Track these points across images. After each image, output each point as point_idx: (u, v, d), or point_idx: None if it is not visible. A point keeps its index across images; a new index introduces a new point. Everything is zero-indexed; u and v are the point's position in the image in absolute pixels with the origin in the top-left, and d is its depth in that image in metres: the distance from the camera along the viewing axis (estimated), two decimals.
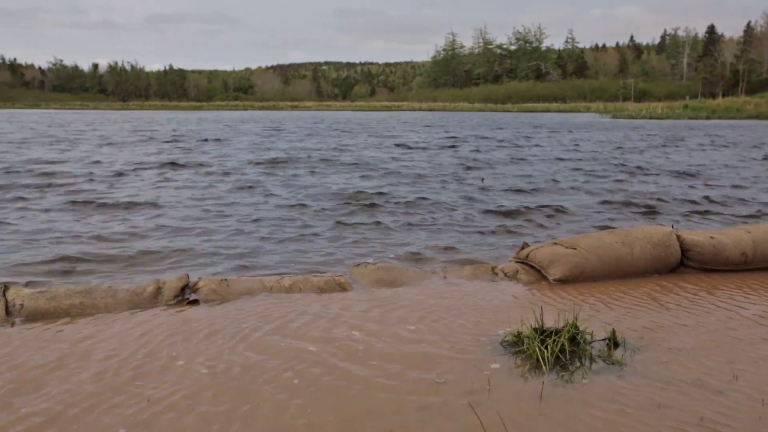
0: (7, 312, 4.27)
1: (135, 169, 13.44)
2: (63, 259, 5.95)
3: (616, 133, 31.71)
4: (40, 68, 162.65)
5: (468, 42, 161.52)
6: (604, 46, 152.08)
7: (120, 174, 12.58)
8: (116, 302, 4.54)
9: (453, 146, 21.59)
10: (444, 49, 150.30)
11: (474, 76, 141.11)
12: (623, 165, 15.30)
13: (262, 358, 3.49)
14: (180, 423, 2.77)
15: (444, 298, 4.71)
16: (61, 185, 10.84)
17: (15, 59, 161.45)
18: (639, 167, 14.68)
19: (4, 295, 4.43)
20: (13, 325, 4.12)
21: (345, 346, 3.69)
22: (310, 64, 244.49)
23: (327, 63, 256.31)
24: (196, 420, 2.80)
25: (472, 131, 32.70)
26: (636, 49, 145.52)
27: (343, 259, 6.11)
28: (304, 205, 9.09)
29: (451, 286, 5.10)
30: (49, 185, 10.84)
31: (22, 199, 9.43)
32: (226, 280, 4.95)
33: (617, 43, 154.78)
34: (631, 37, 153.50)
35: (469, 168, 14.44)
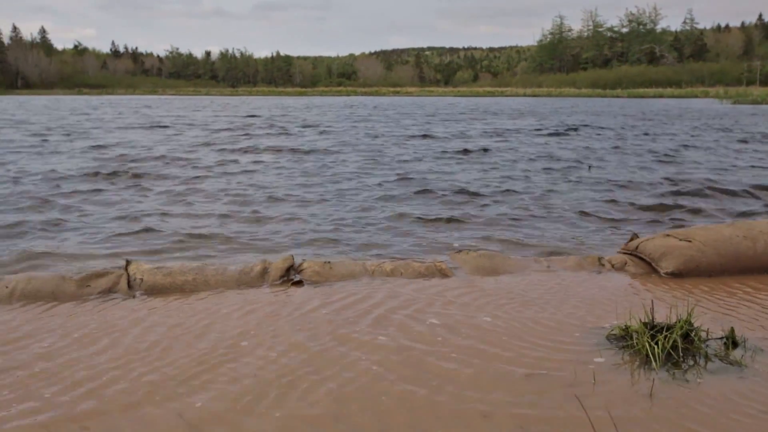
0: (129, 286, 4.57)
1: (258, 152, 13.97)
2: (182, 238, 6.29)
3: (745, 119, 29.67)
4: (158, 56, 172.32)
5: (576, 25, 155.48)
6: (727, 26, 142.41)
7: (253, 160, 13.12)
8: (225, 280, 4.74)
9: (561, 133, 20.99)
10: (551, 33, 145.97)
11: (582, 60, 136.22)
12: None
13: (362, 337, 3.54)
14: (286, 397, 2.86)
15: (547, 288, 4.60)
16: (178, 168, 11.45)
17: (136, 48, 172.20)
18: None
19: (126, 269, 4.74)
20: (134, 297, 4.40)
21: (447, 331, 3.68)
22: (413, 49, 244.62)
23: (430, 48, 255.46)
24: (293, 391, 2.88)
25: (583, 118, 31.66)
26: (765, 28, 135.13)
27: (445, 246, 6.09)
28: (428, 191, 9.10)
29: (554, 275, 4.97)
30: (162, 171, 11.46)
31: (139, 178, 10.04)
32: (329, 262, 5.05)
33: (743, 23, 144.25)
34: (759, 15, 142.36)
35: (579, 158, 13.99)
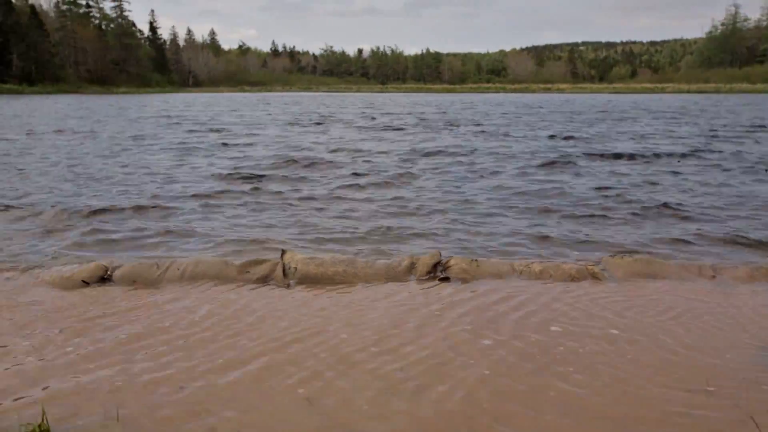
0: (284, 273, 4.80)
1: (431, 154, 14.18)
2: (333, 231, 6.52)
3: None
4: (313, 55, 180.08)
5: (754, 13, 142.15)
6: None
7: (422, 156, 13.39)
8: (374, 273, 4.84)
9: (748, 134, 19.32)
10: (723, 24, 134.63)
11: (759, 53, 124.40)
12: None
13: (503, 339, 3.46)
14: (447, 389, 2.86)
15: (712, 300, 4.24)
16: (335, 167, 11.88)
17: (294, 47, 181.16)
18: None
19: (282, 258, 4.98)
20: (288, 286, 4.62)
21: (601, 341, 3.50)
22: (566, 44, 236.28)
23: (584, 43, 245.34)
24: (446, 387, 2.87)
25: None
26: None
27: (598, 248, 5.80)
28: (605, 194, 8.81)
29: (721, 286, 4.57)
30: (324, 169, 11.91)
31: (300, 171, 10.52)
32: (476, 260, 5.00)
33: None
34: None
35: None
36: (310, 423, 2.62)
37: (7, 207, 7.44)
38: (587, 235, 6.32)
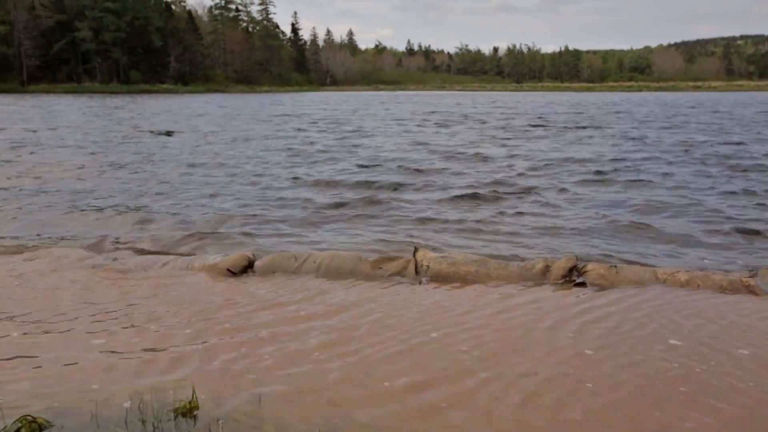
0: (416, 271, 4.83)
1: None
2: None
3: None
4: (448, 53, 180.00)
5: None
6: None
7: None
8: (507, 275, 4.75)
9: None
10: None
11: None
12: None
13: (636, 354, 3.26)
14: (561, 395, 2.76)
15: None
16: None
17: (429, 46, 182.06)
18: None
19: (414, 256, 5.02)
20: (420, 283, 4.65)
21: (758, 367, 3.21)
22: (722, 39, 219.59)
23: (743, 37, 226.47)
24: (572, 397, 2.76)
25: None
26: None
27: (746, 262, 5.34)
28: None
29: None
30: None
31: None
32: (615, 266, 4.77)
33: None
34: None
35: None
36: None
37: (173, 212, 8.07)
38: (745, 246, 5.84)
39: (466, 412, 2.70)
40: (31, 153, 13.21)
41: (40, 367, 3.13)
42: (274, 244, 5.87)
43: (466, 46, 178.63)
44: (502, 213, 7.24)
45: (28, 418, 2.52)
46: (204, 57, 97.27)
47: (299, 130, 20.40)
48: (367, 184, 9.16)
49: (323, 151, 13.71)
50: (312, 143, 15.77)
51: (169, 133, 18.49)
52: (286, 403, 2.77)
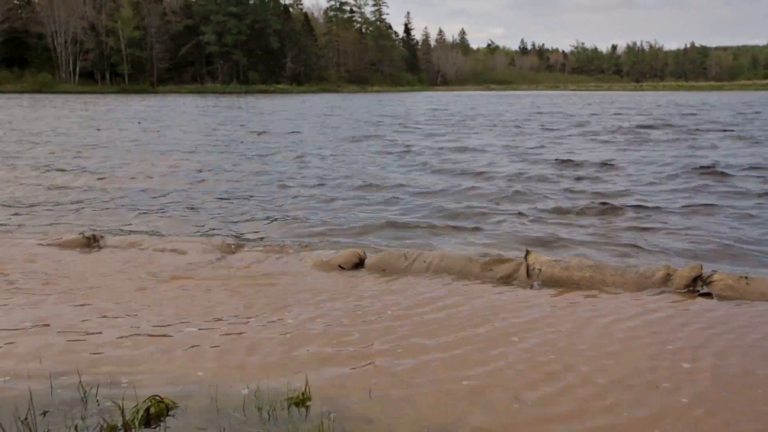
0: (528, 274, 4.73)
1: None
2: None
3: None
4: (563, 52, 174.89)
5: None
6: None
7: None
8: (624, 282, 4.55)
9: None
10: None
11: None
12: None
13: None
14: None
15: None
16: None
17: (543, 44, 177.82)
18: None
19: (526, 259, 4.91)
20: (531, 287, 4.54)
21: None
22: None
23: None
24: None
25: None
26: None
27: None
28: None
29: None
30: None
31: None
32: (746, 277, 4.44)
33: None
34: None
35: None
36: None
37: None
38: None
39: None
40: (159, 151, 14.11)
41: (170, 351, 3.33)
42: (388, 245, 5.94)
43: (582, 44, 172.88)
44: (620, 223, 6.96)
45: (157, 398, 2.69)
46: (318, 58, 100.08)
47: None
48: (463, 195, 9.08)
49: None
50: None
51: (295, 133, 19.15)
52: (398, 399, 2.79)
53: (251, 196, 8.32)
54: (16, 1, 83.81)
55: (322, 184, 9.28)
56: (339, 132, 19.18)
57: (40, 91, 69.41)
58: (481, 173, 10.28)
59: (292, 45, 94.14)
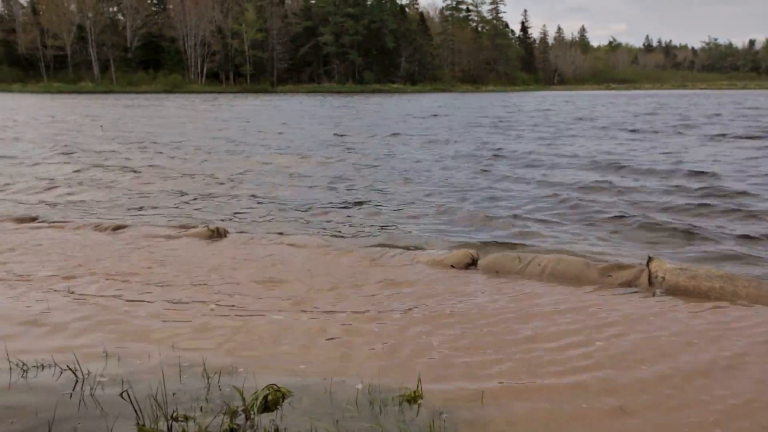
0: (650, 282, 4.49)
1: None
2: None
3: None
4: (692, 49, 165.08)
5: None
6: None
7: None
8: (759, 294, 4.22)
9: None
10: None
11: None
12: None
13: None
14: None
15: None
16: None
17: (669, 41, 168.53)
18: None
19: (648, 266, 4.67)
20: (654, 295, 4.31)
21: None
22: None
23: None
24: None
25: None
26: None
27: None
28: None
29: None
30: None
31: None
32: None
33: None
34: None
35: None
36: None
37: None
38: None
39: None
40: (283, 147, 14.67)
41: (288, 341, 3.45)
42: (505, 242, 5.85)
43: (715, 39, 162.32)
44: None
45: (274, 387, 2.79)
46: (432, 57, 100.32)
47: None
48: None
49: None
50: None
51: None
52: (512, 402, 2.74)
53: (352, 191, 8.48)
54: (153, 8, 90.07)
55: (435, 193, 9.28)
56: (441, 132, 19.12)
57: (171, 91, 74.28)
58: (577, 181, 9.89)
59: (407, 45, 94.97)
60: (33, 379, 2.95)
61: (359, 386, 2.89)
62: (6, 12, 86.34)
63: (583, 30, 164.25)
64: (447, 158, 12.33)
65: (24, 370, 3.03)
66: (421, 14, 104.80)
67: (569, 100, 51.29)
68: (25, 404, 2.70)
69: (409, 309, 3.96)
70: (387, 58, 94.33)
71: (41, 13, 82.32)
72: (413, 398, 2.77)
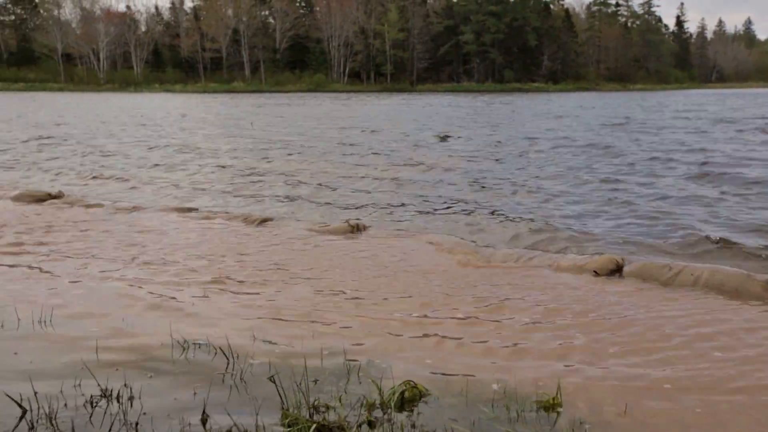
0: None
1: None
2: None
3: None
4: None
5: None
6: None
7: None
8: None
9: None
10: None
11: None
12: None
13: None
14: None
15: None
16: None
17: None
18: None
19: None
20: None
21: None
22: None
23: None
24: None
25: None
26: None
27: None
28: None
29: None
30: None
31: None
32: None
33: None
34: None
35: None
36: None
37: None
38: None
39: None
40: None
41: (428, 339, 3.48)
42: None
43: None
44: None
45: (411, 383, 2.81)
46: (577, 55, 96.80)
47: None
48: None
49: None
50: None
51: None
52: (660, 418, 2.58)
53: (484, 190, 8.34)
54: (301, 11, 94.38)
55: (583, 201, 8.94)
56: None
57: (315, 90, 77.42)
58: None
59: (551, 42, 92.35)
60: (191, 356, 3.19)
61: (495, 387, 2.85)
62: (172, 19, 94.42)
63: (748, 22, 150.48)
64: (620, 166, 11.85)
65: (184, 348, 3.28)
66: (567, 10, 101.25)
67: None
68: (184, 382, 2.93)
69: (547, 313, 3.84)
70: (528, 56, 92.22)
71: (202, 18, 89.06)
72: (552, 405, 2.68)
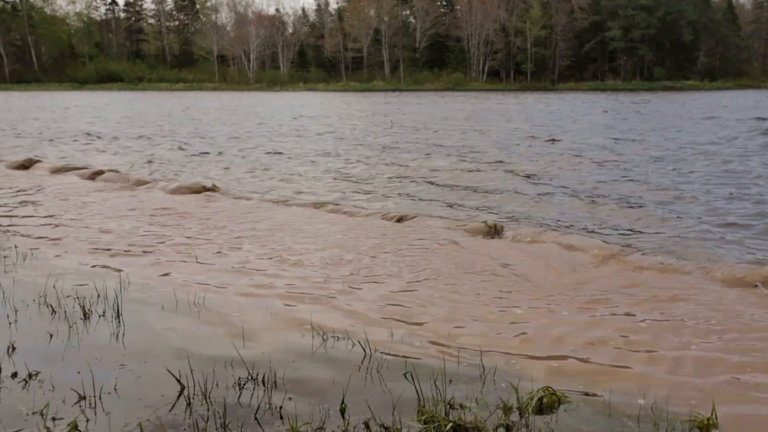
0: None
1: None
2: None
3: None
4: None
5: None
6: None
7: None
8: None
9: None
10: None
11: None
12: None
13: None
14: None
15: None
16: None
17: None
18: None
19: None
20: None
21: None
22: None
23: None
24: None
25: None
26: None
27: None
28: None
29: None
30: None
31: None
32: None
33: None
34: None
35: None
36: None
37: None
38: None
39: None
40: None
41: (569, 346, 3.37)
42: None
43: None
44: None
45: (550, 389, 2.73)
46: (739, 50, 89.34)
47: None
48: None
49: None
50: None
51: None
52: None
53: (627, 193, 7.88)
54: (442, 10, 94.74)
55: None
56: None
57: (453, 89, 77.38)
58: None
59: (709, 37, 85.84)
60: (330, 347, 3.31)
61: (641, 401, 2.70)
62: (318, 20, 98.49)
63: None
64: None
65: (324, 339, 3.40)
66: (729, 2, 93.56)
67: None
68: (321, 375, 3.04)
69: (696, 324, 3.58)
70: (682, 52, 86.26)
71: (346, 19, 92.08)
72: (706, 426, 2.50)
